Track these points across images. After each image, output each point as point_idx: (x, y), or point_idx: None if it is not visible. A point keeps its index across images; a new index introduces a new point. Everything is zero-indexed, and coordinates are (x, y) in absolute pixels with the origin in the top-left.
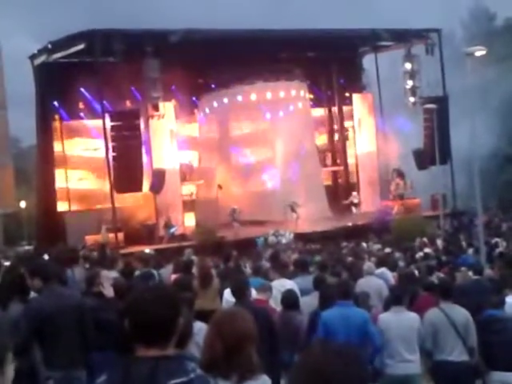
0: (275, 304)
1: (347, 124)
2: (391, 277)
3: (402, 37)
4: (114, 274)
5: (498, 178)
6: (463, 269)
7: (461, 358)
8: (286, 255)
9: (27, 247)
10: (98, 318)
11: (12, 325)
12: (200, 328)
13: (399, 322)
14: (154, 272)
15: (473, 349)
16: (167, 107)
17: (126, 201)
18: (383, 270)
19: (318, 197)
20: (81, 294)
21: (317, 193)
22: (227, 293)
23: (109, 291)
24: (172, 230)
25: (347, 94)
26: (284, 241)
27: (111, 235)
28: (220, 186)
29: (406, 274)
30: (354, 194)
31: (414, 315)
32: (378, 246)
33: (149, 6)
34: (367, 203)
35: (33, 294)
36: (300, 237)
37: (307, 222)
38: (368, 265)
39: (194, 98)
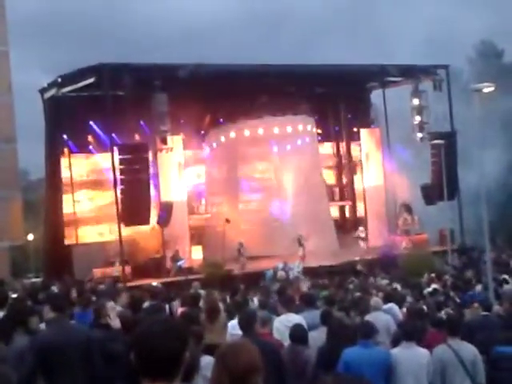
0: (282, 339)
1: (355, 158)
2: (399, 312)
3: (409, 73)
4: (118, 307)
5: (506, 213)
6: (476, 305)
7: None
8: (295, 286)
9: (34, 279)
10: (105, 349)
11: (16, 357)
12: (208, 362)
13: (410, 357)
14: (163, 305)
15: None
16: (175, 141)
17: (134, 233)
18: (391, 305)
19: (326, 231)
20: (88, 325)
21: (325, 226)
22: (231, 325)
23: (115, 322)
24: (179, 263)
25: (355, 129)
26: (292, 275)
27: (119, 268)
28: (228, 220)
29: (415, 310)
30: (361, 228)
31: (424, 351)
32: (385, 281)
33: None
34: (374, 238)
35: (41, 326)
36: (307, 271)
37: (315, 256)
38: (375, 300)
39: (202, 132)
